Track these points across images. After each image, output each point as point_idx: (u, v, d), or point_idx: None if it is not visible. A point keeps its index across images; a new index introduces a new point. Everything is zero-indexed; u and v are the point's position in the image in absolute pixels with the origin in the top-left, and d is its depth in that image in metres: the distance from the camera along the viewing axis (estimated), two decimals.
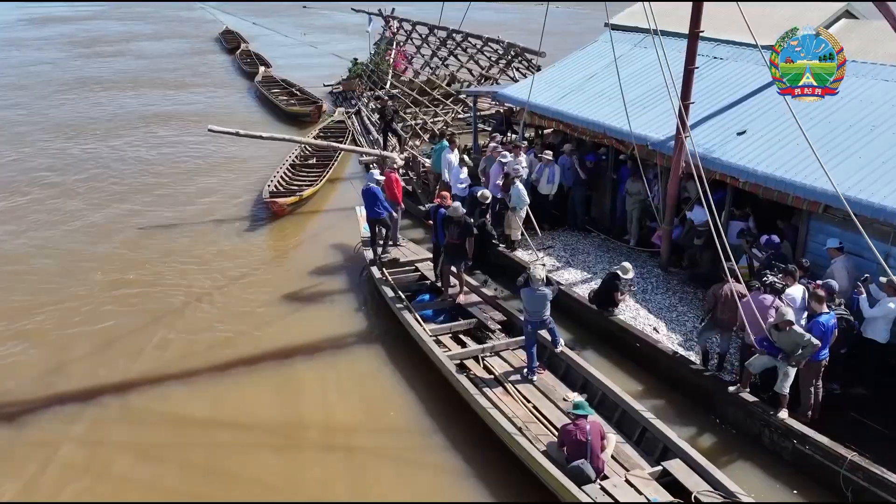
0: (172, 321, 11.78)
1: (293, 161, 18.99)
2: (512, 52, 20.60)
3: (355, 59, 29.42)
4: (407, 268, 12.90)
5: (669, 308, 11.28)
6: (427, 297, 12.13)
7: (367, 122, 22.86)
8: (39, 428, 9.30)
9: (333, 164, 18.46)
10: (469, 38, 22.38)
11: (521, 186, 13.25)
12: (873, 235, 9.66)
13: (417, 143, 19.21)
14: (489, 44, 21.56)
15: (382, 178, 12.89)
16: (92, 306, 12.20)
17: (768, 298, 8.84)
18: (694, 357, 9.93)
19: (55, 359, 10.75)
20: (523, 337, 10.42)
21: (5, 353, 10.90)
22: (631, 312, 11.06)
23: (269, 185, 16.84)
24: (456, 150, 15.31)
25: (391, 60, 27.31)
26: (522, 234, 13.46)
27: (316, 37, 46.12)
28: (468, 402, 9.28)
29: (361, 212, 14.30)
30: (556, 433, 8.21)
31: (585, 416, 7.75)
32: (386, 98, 19.86)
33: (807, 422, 8.42)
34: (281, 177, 17.75)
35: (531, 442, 8.25)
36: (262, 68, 33.51)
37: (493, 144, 15.16)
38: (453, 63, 24.34)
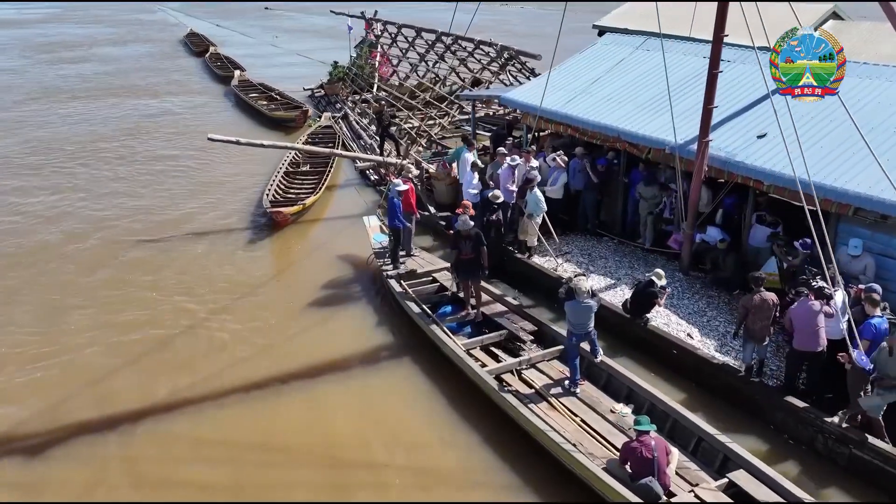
0: (188, 342, 11.27)
1: (287, 169, 18.50)
2: (506, 55, 20.41)
3: (335, 63, 28.94)
4: (424, 279, 12.60)
5: (699, 313, 11.19)
6: (449, 308, 11.84)
7: (357, 126, 22.47)
8: (69, 456, 8.82)
9: (330, 171, 18.03)
10: (459, 41, 22.11)
11: (538, 192, 13.07)
12: None
13: (416, 148, 18.90)
14: (481, 46, 21.32)
15: (406, 187, 12.54)
16: (99, 332, 11.62)
17: (816, 304, 8.79)
18: (732, 362, 9.85)
19: (74, 386, 10.18)
20: (558, 347, 10.31)
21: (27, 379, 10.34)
22: (662, 319, 10.95)
23: (267, 194, 16.35)
24: (474, 151, 15.07)
25: (375, 64, 26.97)
26: (539, 241, 13.31)
27: (288, 40, 45.30)
28: (514, 418, 9.02)
29: (370, 222, 13.99)
30: (618, 449, 8.03)
31: (648, 432, 7.58)
32: (382, 103, 19.48)
33: (858, 426, 8.41)
34: (278, 185, 17.26)
35: (590, 458, 8.04)
36: (237, 72, 32.82)
37: (501, 150, 14.94)
38: (443, 66, 24.05)
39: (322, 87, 28.34)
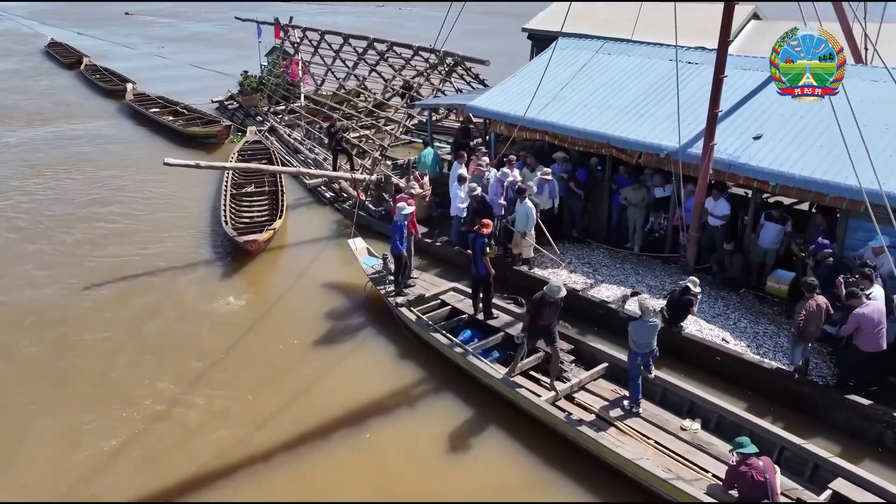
0: (198, 411, 9.87)
1: (231, 192, 17.02)
2: (449, 61, 19.87)
3: (245, 73, 27.24)
4: (433, 302, 11.86)
5: (722, 316, 11.21)
6: (468, 333, 11.18)
7: (293, 140, 21.15)
8: None
9: (283, 191, 16.77)
10: (395, 48, 21.31)
11: (529, 204, 12.66)
12: None
13: (369, 161, 17.99)
14: (420, 53, 20.65)
15: (412, 209, 11.72)
16: (100, 389, 10.10)
17: (882, 306, 8.94)
18: (778, 365, 9.90)
19: (97, 458, 8.73)
20: (602, 366, 9.96)
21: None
22: (694, 325, 10.87)
23: (226, 223, 14.93)
24: (463, 164, 14.43)
25: (287, 72, 25.61)
26: (537, 251, 12.96)
27: (175, 50, 42.20)
28: (592, 450, 8.53)
29: (356, 245, 13.08)
30: (703, 469, 7.91)
31: (755, 454, 7.35)
32: (334, 117, 18.38)
33: None
34: (231, 210, 15.82)
35: (689, 485, 7.72)
36: (129, 86, 30.15)
37: (479, 162, 14.44)
38: (382, 74, 23.14)
39: (235, 99, 26.56)
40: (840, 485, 7.64)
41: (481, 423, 9.47)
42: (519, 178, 13.40)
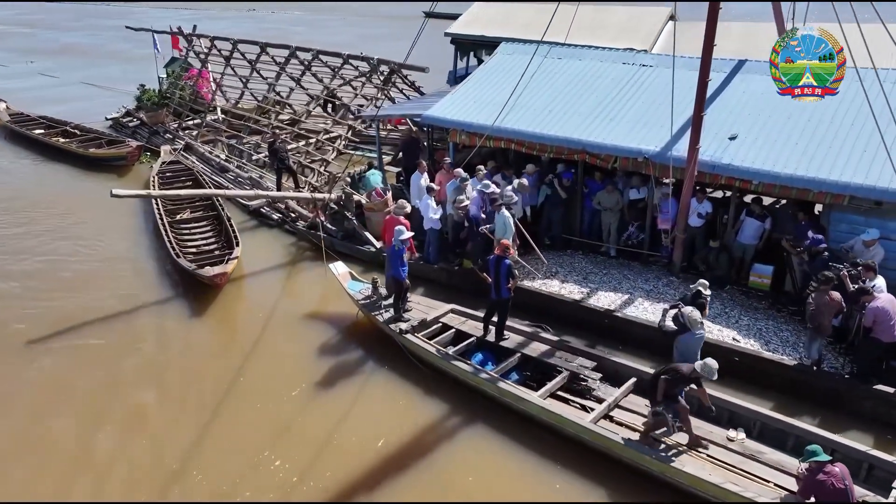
0: (214, 465, 8.77)
1: (167, 220, 15.50)
2: (383, 70, 19.14)
3: (143, 87, 25.15)
4: (434, 326, 11.27)
5: (723, 315, 11.35)
6: (480, 356, 10.69)
7: (217, 158, 19.65)
8: None
9: (228, 215, 15.47)
10: (320, 56, 20.26)
11: (507, 214, 12.35)
12: None
13: (311, 178, 17.01)
14: (350, 61, 19.77)
15: (411, 234, 11.00)
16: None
17: (886, 297, 9.31)
18: (793, 360, 10.12)
19: None
20: (630, 381, 9.76)
21: None
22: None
23: (178, 256, 13.55)
24: (426, 175, 13.85)
25: (194, 85, 23.92)
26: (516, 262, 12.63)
27: (51, 65, 37.99)
28: (646, 467, 8.33)
29: (337, 270, 12.25)
30: (762, 480, 7.96)
31: (830, 461, 7.36)
32: (276, 132, 17.16)
33: None
34: (174, 241, 14.39)
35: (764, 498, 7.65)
36: (1, 105, 27.01)
37: (458, 173, 13.88)
38: (308, 85, 21.93)
39: (134, 115, 24.41)
40: None
41: (526, 455, 9.01)
42: (497, 189, 13.04)
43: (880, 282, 9.85)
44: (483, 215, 12.96)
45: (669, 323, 9.00)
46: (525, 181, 13.35)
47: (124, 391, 10.33)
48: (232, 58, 22.22)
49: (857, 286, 9.63)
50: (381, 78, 19.03)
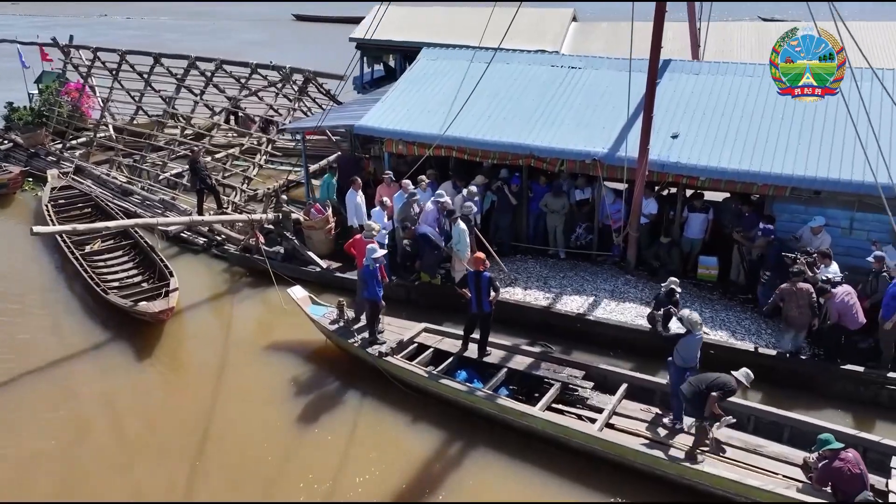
0: None
1: (79, 253, 13.97)
2: (296, 78, 18.24)
3: (10, 104, 22.67)
4: (411, 347, 10.80)
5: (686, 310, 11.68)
6: (464, 374, 10.36)
7: (111, 179, 17.98)
8: None
9: (148, 243, 14.16)
10: (224, 66, 19.01)
11: (462, 225, 12.14)
12: (837, 206, 11.62)
13: (234, 197, 15.95)
14: (259, 71, 18.67)
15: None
16: None
17: (852, 292, 9.85)
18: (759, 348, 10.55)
19: None
20: (622, 387, 9.73)
21: None
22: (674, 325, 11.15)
23: (106, 292, 12.22)
24: (360, 191, 13.31)
25: (73, 101, 21.86)
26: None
27: None
28: (662, 472, 8.35)
29: (296, 294, 11.52)
30: (770, 472, 8.16)
31: (843, 448, 7.65)
32: (197, 149, 15.84)
33: None
34: (96, 277, 12.99)
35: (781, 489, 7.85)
36: None
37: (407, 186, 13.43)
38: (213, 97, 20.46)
39: (4, 137, 21.90)
40: None
41: (534, 471, 8.80)
42: (450, 200, 12.75)
43: (834, 267, 10.46)
44: (436, 228, 12.64)
45: (672, 327, 9.07)
46: (474, 189, 13.14)
47: (86, 447, 9.15)
48: (121, 70, 20.40)
49: (820, 284, 10.11)
50: (296, 87, 18.11)
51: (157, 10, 67.46)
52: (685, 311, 8.99)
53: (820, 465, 7.77)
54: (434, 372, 9.96)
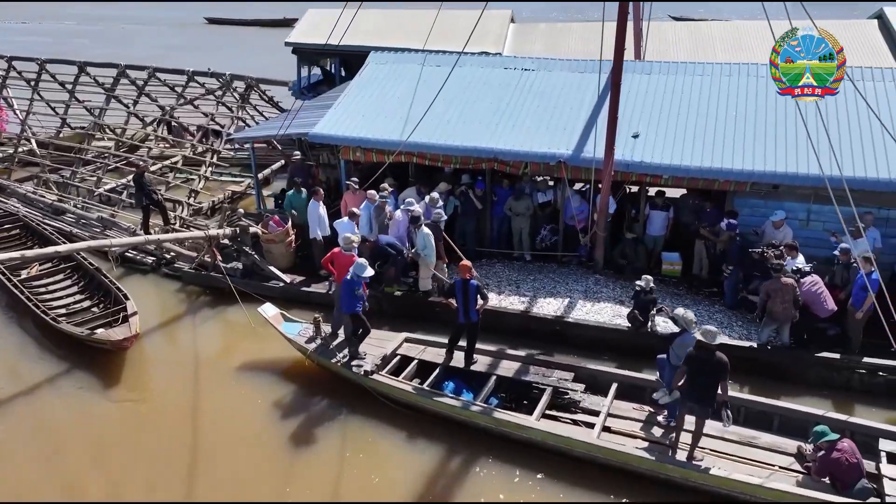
0: None
1: (17, 281, 12.94)
2: (237, 86, 17.52)
3: None
4: (394, 361, 10.51)
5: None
6: (452, 385, 10.14)
7: (38, 197, 16.80)
8: None
9: (90, 264, 13.26)
10: (157, 74, 18.04)
11: (426, 231, 11.96)
12: (795, 199, 12.10)
13: (180, 212, 15.17)
14: (196, 78, 17.81)
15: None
16: None
17: (818, 282, 10.25)
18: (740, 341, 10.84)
19: None
20: (613, 387, 9.73)
21: None
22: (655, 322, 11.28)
23: (56, 321, 11.36)
24: (322, 202, 12.92)
25: None
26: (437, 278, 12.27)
27: None
28: (676, 477, 8.38)
29: (267, 312, 11.03)
30: (765, 464, 8.37)
31: (839, 439, 7.91)
32: (142, 165, 14.90)
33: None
34: (43, 305, 12.08)
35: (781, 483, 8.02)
36: None
37: (381, 194, 13.06)
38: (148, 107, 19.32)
39: None
40: (886, 445, 8.42)
41: (549, 481, 8.69)
42: (419, 208, 12.50)
43: (801, 259, 10.85)
44: (406, 237, 12.41)
45: (668, 325, 9.15)
46: (436, 195, 12.97)
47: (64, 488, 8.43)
48: (40, 81, 19.07)
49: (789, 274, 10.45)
50: (237, 95, 17.40)
51: (50, 14, 63.65)
52: (679, 310, 9.08)
53: (818, 456, 8.01)
54: (424, 387, 9.71)
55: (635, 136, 12.79)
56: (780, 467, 8.45)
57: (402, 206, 12.42)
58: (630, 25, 15.84)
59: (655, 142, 12.70)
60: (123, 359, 10.84)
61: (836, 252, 10.98)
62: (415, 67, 15.89)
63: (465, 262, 10.07)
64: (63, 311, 12.21)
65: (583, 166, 12.69)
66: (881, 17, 19.14)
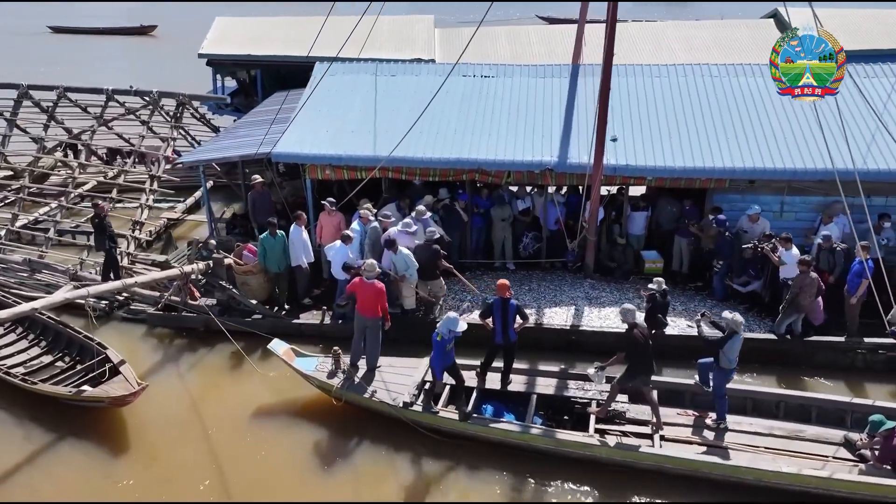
0: None
1: None
2: (164, 104, 16.00)
3: None
4: (425, 388, 9.96)
5: None
6: (491, 408, 9.78)
7: None
8: None
9: (61, 323, 11.61)
10: (68, 94, 16.08)
11: (405, 251, 11.45)
12: (770, 192, 12.75)
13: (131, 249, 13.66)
14: (116, 97, 16.07)
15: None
16: None
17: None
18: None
19: None
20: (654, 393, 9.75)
21: None
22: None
23: (33, 383, 9.87)
24: (304, 227, 12.07)
25: None
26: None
27: None
28: (737, 477, 8.46)
29: (278, 349, 10.20)
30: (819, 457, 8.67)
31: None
32: (101, 203, 13.04)
33: None
34: (20, 369, 10.49)
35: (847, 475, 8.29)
36: None
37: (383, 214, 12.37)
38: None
39: None
40: None
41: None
42: (414, 227, 11.97)
43: (795, 251, 11.39)
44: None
45: (715, 331, 9.26)
46: (423, 208, 12.52)
47: None
48: None
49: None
50: (168, 114, 15.92)
51: None
52: (727, 313, 9.20)
53: (879, 445, 8.35)
54: (473, 415, 9.28)
55: (614, 140, 12.92)
56: (834, 458, 8.73)
57: (400, 228, 11.78)
58: (574, 28, 16.43)
59: (634, 144, 12.93)
60: (113, 418, 9.53)
61: (819, 240, 11.64)
62: (368, 77, 15.31)
63: (503, 280, 9.72)
64: (21, 369, 10.60)
65: (569, 172, 12.72)
66: (776, 16, 20.56)
